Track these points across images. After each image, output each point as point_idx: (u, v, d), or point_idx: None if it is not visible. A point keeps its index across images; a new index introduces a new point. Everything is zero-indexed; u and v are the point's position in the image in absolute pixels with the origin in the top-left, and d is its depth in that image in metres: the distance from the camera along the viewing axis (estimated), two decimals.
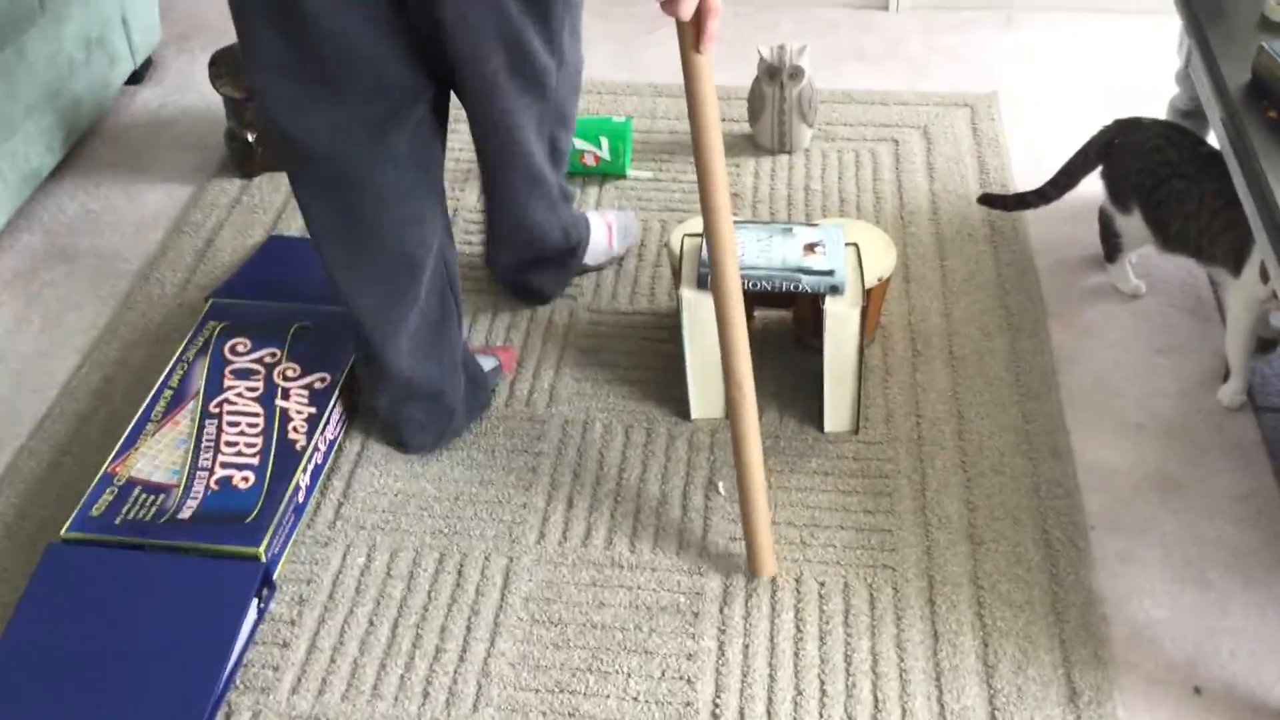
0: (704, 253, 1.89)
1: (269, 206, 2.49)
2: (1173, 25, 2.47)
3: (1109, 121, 2.20)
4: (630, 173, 2.55)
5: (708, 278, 1.87)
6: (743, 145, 2.64)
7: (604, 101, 2.76)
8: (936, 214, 2.43)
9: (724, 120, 2.70)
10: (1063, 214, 2.36)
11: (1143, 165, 2.10)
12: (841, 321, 1.86)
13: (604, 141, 2.49)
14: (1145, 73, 2.85)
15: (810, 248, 1.91)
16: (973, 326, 2.17)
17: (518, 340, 2.17)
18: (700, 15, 1.41)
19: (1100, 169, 2.20)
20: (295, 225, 2.43)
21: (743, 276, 1.86)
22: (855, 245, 1.97)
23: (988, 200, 2.39)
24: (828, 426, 1.97)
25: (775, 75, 2.52)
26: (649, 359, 2.12)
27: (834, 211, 2.44)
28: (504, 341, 2.17)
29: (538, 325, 2.20)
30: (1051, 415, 1.99)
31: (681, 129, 2.68)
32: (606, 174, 2.54)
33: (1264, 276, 1.86)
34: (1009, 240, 2.36)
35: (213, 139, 2.67)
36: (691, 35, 1.42)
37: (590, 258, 2.27)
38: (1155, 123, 2.15)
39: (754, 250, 1.90)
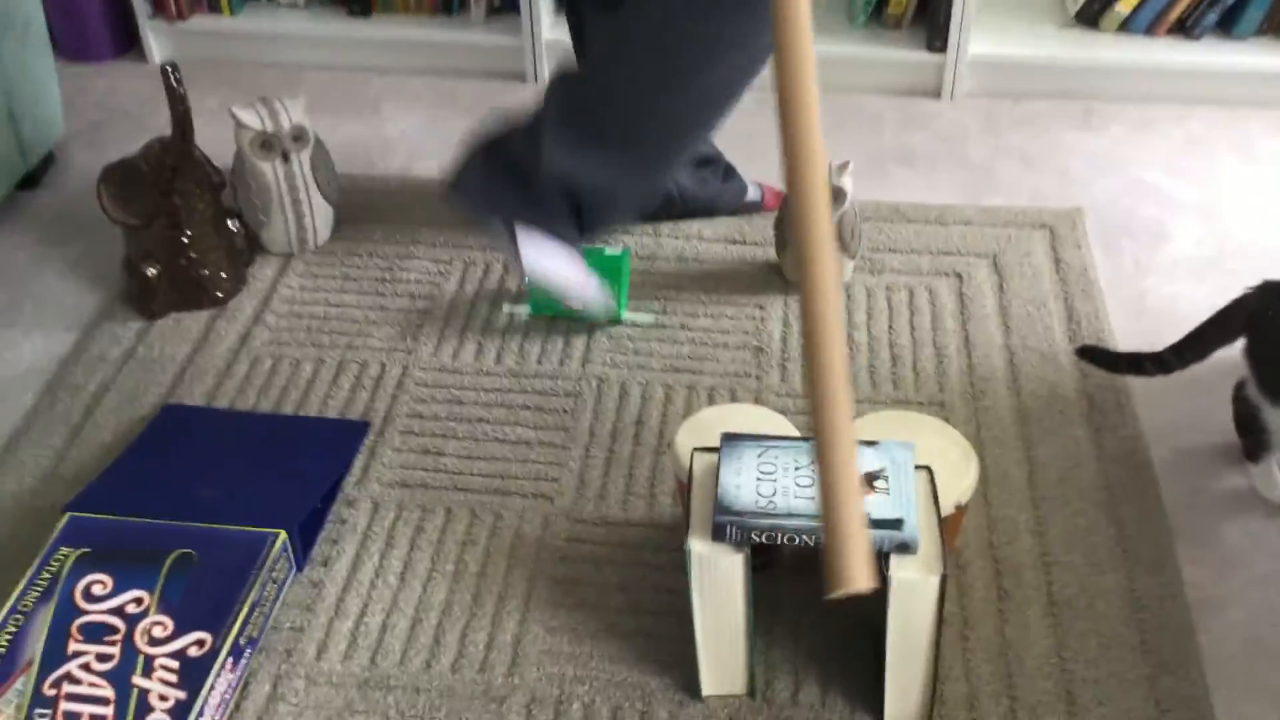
0: (725, 487, 1.37)
1: (169, 360, 1.97)
2: None
3: (1258, 283, 1.68)
4: (626, 316, 2.04)
5: (728, 528, 1.35)
6: (768, 278, 2.11)
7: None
8: (1016, 380, 1.91)
9: (745, 243, 2.21)
10: (1180, 381, 1.82)
11: None
12: (913, 592, 1.33)
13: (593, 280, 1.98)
14: None
15: (869, 480, 1.39)
16: (1076, 553, 1.64)
17: (473, 563, 1.65)
18: None
19: (1245, 345, 1.68)
20: (199, 389, 1.91)
21: (774, 528, 1.34)
22: (928, 469, 1.45)
23: (1090, 355, 1.87)
24: (889, 716, 1.44)
25: None
26: (645, 597, 1.59)
27: (884, 375, 1.91)
28: (455, 564, 1.65)
29: (500, 540, 1.67)
30: (1195, 700, 1.46)
31: (691, 255, 2.16)
32: (596, 319, 2.03)
33: None
34: (1113, 421, 1.83)
35: (114, 265, 2.15)
36: None
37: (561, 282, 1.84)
38: None
39: (789, 485, 1.38)
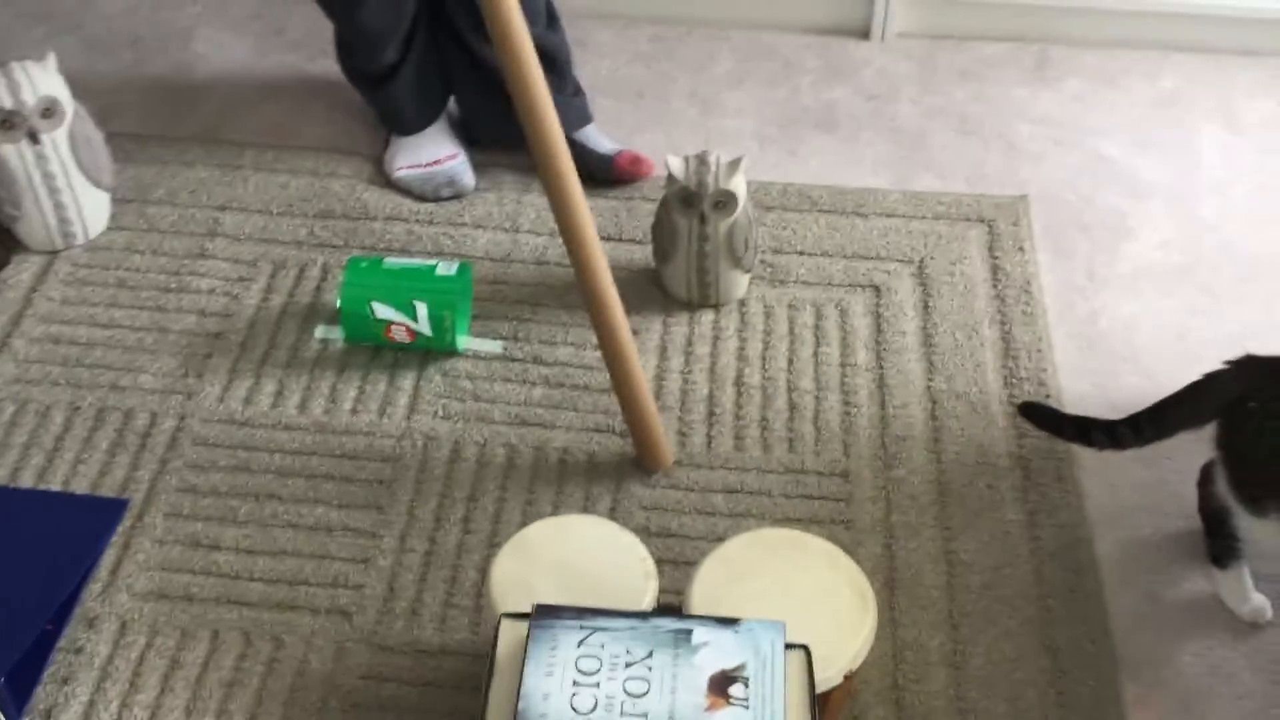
0: (530, 697, 1.01)
1: None
2: None
3: (1239, 356, 1.33)
4: (465, 346, 1.65)
5: None
6: (645, 291, 1.72)
7: (430, 237, 1.82)
8: (939, 440, 1.55)
9: (620, 239, 1.81)
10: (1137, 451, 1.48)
11: None
12: None
13: (420, 308, 1.59)
14: None
15: (722, 685, 1.04)
16: (998, 696, 1.31)
17: (239, 714, 1.30)
18: None
19: (1217, 434, 1.33)
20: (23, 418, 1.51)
21: None
22: (804, 650, 1.10)
23: (1032, 414, 1.52)
24: None
25: (692, 203, 1.61)
26: None
27: (779, 432, 1.53)
28: (215, 717, 1.29)
29: (278, 679, 1.31)
30: None
31: (554, 256, 1.76)
32: (428, 350, 1.64)
33: None
34: (1052, 500, 1.49)
35: None
36: None
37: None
38: None
39: (615, 692, 1.02)
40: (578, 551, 1.24)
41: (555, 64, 1.80)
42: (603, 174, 1.84)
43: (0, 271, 1.72)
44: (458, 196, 1.84)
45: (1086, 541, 1.45)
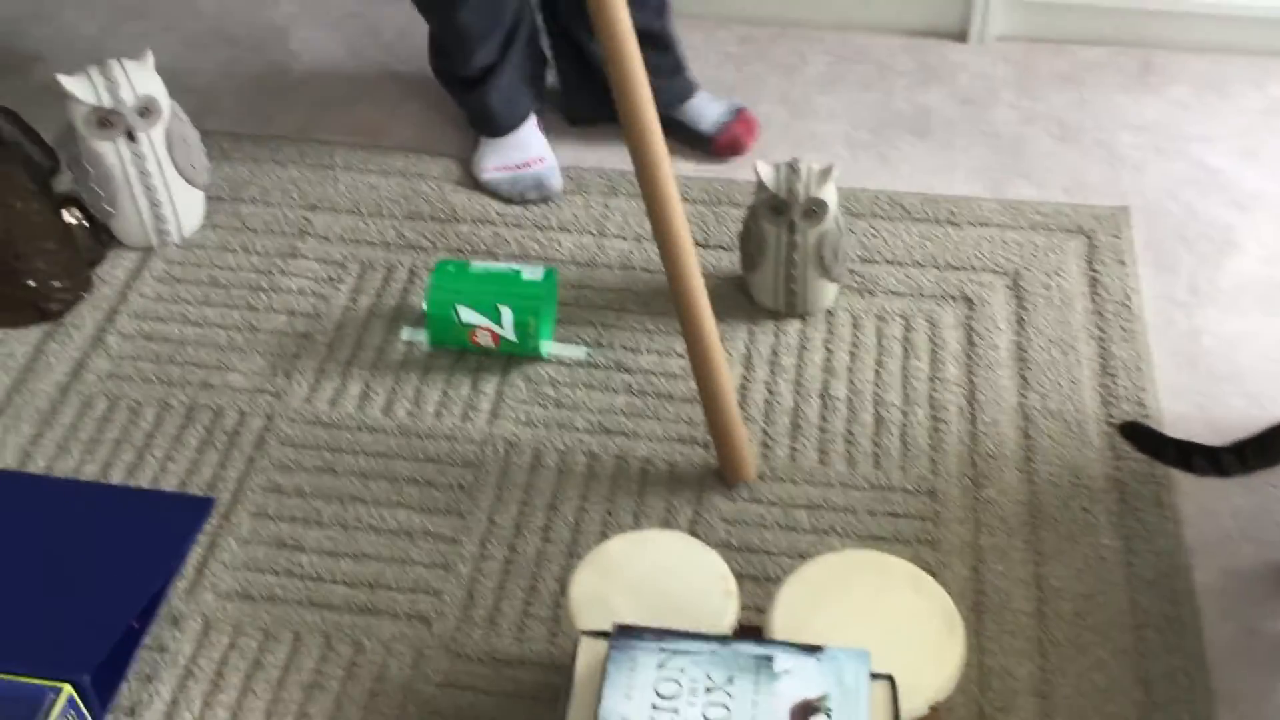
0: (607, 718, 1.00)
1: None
2: None
3: None
4: (549, 351, 1.65)
5: None
6: (732, 299, 1.70)
7: (516, 240, 1.83)
8: (1031, 460, 1.51)
9: (708, 245, 1.79)
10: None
11: None
12: None
13: (505, 312, 1.58)
14: None
15: (804, 715, 1.02)
16: None
17: (319, 717, 1.31)
18: None
19: None
20: (13, 442, 1.53)
21: None
22: (889, 680, 1.08)
23: (1132, 435, 1.47)
24: None
25: (782, 211, 1.58)
26: None
27: (864, 447, 1.51)
28: None
29: (357, 683, 1.32)
30: None
31: (640, 261, 1.75)
32: (512, 355, 1.64)
33: None
34: (1150, 525, 1.44)
35: None
36: None
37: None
38: None
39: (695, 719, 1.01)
40: (657, 568, 1.23)
41: (658, 43, 1.79)
42: (701, 151, 1.90)
43: (96, 267, 1.75)
44: (544, 200, 1.84)
45: (1184, 570, 1.40)
